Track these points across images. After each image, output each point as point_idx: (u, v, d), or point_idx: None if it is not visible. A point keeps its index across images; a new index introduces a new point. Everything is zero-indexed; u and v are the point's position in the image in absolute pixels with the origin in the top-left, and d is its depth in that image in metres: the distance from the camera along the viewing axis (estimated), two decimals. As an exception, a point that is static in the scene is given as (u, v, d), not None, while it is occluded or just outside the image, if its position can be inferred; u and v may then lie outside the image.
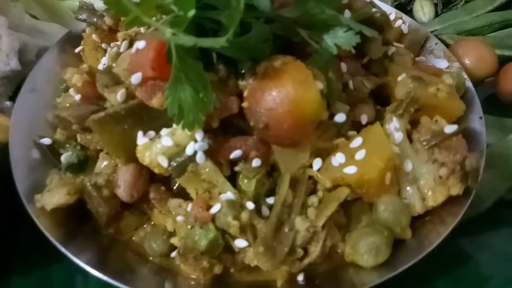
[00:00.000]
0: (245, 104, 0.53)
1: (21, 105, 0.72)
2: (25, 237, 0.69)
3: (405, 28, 0.84)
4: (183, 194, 0.59)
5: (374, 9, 0.63)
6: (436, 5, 1.15)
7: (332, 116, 0.59)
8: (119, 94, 0.57)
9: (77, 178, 0.60)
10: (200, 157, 0.54)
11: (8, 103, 0.86)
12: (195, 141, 0.54)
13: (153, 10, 0.56)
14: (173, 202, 0.59)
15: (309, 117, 0.51)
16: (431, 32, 1.06)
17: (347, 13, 0.63)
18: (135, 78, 0.54)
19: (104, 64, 0.73)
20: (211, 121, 0.55)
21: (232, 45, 0.49)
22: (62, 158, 0.62)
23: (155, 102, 0.54)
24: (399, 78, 0.63)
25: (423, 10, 1.14)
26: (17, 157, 0.65)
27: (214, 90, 0.53)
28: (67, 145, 0.64)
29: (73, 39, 0.85)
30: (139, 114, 0.56)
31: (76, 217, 0.62)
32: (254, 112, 0.52)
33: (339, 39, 0.55)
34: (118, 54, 0.65)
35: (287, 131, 0.52)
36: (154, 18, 0.61)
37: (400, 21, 0.84)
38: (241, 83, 0.54)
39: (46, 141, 0.68)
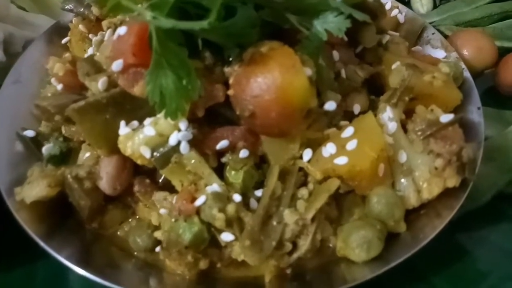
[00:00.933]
0: (230, 92, 0.51)
1: (4, 97, 0.70)
2: (9, 233, 0.67)
3: (401, 18, 0.82)
4: (169, 187, 0.57)
5: (367, -6, 0.61)
6: (434, -3, 1.12)
7: (323, 105, 0.56)
8: (100, 82, 0.55)
9: (59, 170, 0.57)
10: (184, 147, 0.52)
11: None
12: (179, 130, 0.52)
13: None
14: (158, 195, 0.56)
15: (297, 104, 0.49)
16: (430, 23, 1.05)
17: None
18: (116, 65, 0.51)
19: (90, 54, 0.71)
20: (196, 109, 0.53)
21: (216, 29, 0.46)
22: (44, 149, 0.60)
23: (137, 90, 0.52)
24: (393, 66, 0.61)
25: (421, 1, 1.11)
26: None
27: (199, 77, 0.50)
28: (51, 136, 0.62)
29: (60, 30, 0.83)
30: (121, 103, 0.54)
31: (58, 211, 0.60)
32: (240, 100, 0.50)
33: (329, 24, 0.52)
34: (101, 42, 0.63)
35: (274, 120, 0.49)
36: (139, 5, 0.60)
37: (396, 11, 0.82)
38: (227, 69, 0.52)
39: (30, 133, 0.65)
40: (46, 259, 0.62)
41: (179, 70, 0.49)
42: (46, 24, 0.90)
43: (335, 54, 0.61)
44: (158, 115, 0.53)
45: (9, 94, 0.71)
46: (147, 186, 0.57)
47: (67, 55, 0.62)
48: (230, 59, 0.54)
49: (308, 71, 0.50)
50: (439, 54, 0.79)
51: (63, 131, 0.63)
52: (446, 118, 0.57)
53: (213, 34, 0.48)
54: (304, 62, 0.50)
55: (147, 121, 0.54)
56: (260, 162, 0.57)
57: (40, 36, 0.80)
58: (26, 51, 0.78)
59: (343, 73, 0.61)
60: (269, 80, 0.48)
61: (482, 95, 0.92)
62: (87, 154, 0.58)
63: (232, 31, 0.50)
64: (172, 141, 0.51)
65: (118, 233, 0.60)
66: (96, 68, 0.57)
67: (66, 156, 0.60)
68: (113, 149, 0.55)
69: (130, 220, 0.60)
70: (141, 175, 0.58)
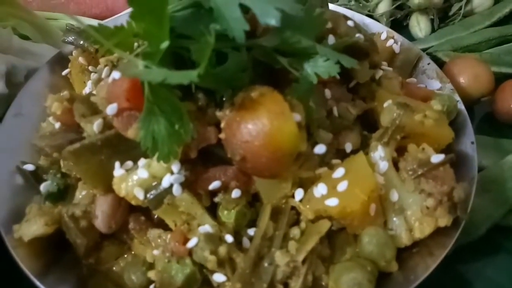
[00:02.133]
0: (222, 135, 0.52)
1: (5, 129, 0.72)
2: (4, 266, 0.68)
3: (396, 48, 0.82)
4: (163, 224, 0.58)
5: (358, 35, 0.62)
6: (432, 20, 1.13)
7: (315, 144, 0.57)
8: (96, 125, 0.56)
9: (56, 208, 0.59)
10: (176, 190, 0.53)
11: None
12: (172, 172, 0.53)
13: (131, 37, 0.56)
14: (153, 233, 0.57)
15: (287, 149, 0.49)
16: (428, 48, 1.05)
17: (331, 39, 0.62)
18: (111, 109, 0.53)
19: (89, 89, 0.73)
20: (189, 151, 0.54)
21: (207, 77, 0.47)
22: (42, 187, 0.62)
23: (131, 133, 0.53)
24: (385, 105, 0.62)
25: (419, 25, 1.12)
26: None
27: (191, 120, 0.52)
28: (49, 173, 0.64)
29: (62, 60, 0.85)
30: (116, 145, 0.55)
31: (55, 246, 0.61)
32: (231, 144, 0.51)
33: (319, 68, 0.53)
34: (99, 80, 0.64)
35: (264, 164, 0.50)
36: (136, 44, 0.61)
37: (392, 41, 0.83)
38: (219, 113, 0.53)
39: (29, 167, 0.67)
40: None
41: (171, 116, 0.50)
42: (48, 53, 0.92)
43: (327, 92, 0.62)
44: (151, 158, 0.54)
45: (10, 127, 0.72)
46: (142, 223, 0.58)
47: (65, 93, 0.64)
48: (223, 98, 0.55)
49: (297, 117, 0.50)
50: (435, 85, 0.80)
51: (62, 165, 0.64)
52: (437, 158, 0.57)
53: (205, 81, 0.49)
54: (294, 107, 0.51)
55: (141, 162, 0.55)
56: (253, 200, 0.58)
57: (42, 67, 0.82)
58: (28, 82, 0.79)
59: (335, 111, 0.62)
60: (258, 127, 0.49)
61: (478, 123, 0.93)
62: (83, 193, 0.59)
63: (223, 76, 0.51)
64: (165, 183, 0.52)
65: (114, 268, 0.60)
66: (92, 109, 0.58)
67: (64, 192, 0.62)
68: (108, 188, 0.56)
69: (125, 255, 0.61)
70: (136, 212, 0.59)
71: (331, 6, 0.82)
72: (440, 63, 0.97)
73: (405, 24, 1.16)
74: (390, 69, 0.70)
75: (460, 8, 1.15)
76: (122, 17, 0.96)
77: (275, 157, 0.49)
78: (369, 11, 1.12)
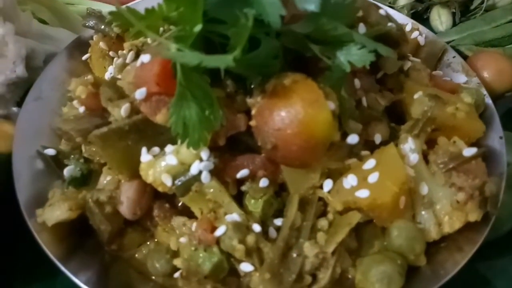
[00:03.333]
0: (253, 123, 0.51)
1: (25, 114, 0.71)
2: (25, 250, 0.68)
3: (421, 40, 0.81)
4: (188, 212, 0.57)
5: (390, 23, 0.60)
6: (454, 14, 1.11)
7: (344, 135, 0.56)
8: (123, 109, 0.55)
9: (80, 193, 0.58)
10: (205, 177, 0.52)
11: (15, 109, 0.84)
12: (200, 159, 0.52)
13: (160, 21, 0.55)
14: (177, 220, 0.56)
15: (320, 138, 0.48)
16: (449, 42, 1.04)
17: (362, 27, 0.60)
18: (139, 94, 0.52)
19: (111, 73, 0.72)
20: (218, 138, 0.53)
21: (240, 62, 0.46)
22: (65, 171, 0.61)
23: (160, 118, 0.52)
24: (416, 96, 0.60)
25: (440, 19, 1.10)
26: (19, 168, 0.64)
27: (221, 107, 0.51)
28: (71, 157, 0.63)
29: (81, 45, 0.84)
30: (143, 130, 0.55)
31: (78, 231, 0.60)
32: (262, 132, 0.50)
33: (352, 56, 0.52)
34: (124, 65, 0.63)
35: (296, 153, 0.49)
36: (161, 29, 0.60)
37: (417, 33, 0.81)
38: (249, 100, 0.52)
39: (50, 151, 0.66)
40: (63, 277, 0.64)
41: (202, 101, 0.49)
42: (67, 38, 0.91)
43: (357, 82, 0.61)
44: (180, 143, 0.53)
45: (30, 111, 0.72)
46: (167, 210, 0.58)
47: (89, 77, 0.63)
48: (252, 85, 0.54)
49: (331, 105, 0.49)
50: (460, 78, 0.78)
51: (83, 150, 0.63)
52: (469, 152, 0.56)
53: (236, 66, 0.48)
54: (327, 95, 0.50)
55: (169, 148, 0.54)
56: (279, 190, 0.57)
57: (61, 52, 0.81)
58: (47, 67, 0.78)
59: (364, 101, 0.60)
60: (292, 114, 0.47)
61: (502, 118, 0.91)
62: (108, 178, 0.58)
63: (255, 63, 0.50)
64: (194, 170, 0.52)
65: (137, 255, 0.60)
66: (119, 93, 0.57)
67: (87, 178, 0.61)
68: (134, 174, 0.55)
69: (148, 242, 0.60)
70: (161, 199, 0.59)
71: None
72: (463, 57, 0.96)
73: (425, 17, 1.14)
74: (418, 60, 0.69)
75: (482, 2, 1.13)
76: (141, 3, 0.95)
77: (308, 145, 0.48)
78: (389, 3, 1.10)
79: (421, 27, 0.84)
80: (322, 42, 0.54)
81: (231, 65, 0.43)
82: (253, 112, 0.51)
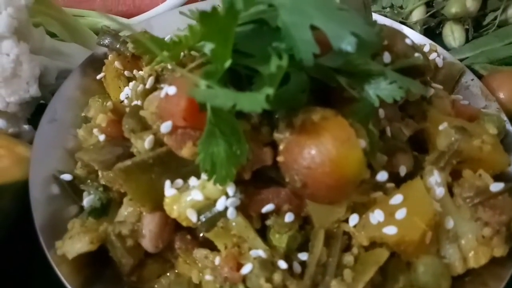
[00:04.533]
0: (280, 159, 0.50)
1: (40, 137, 0.70)
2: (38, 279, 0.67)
3: (440, 62, 0.80)
4: (210, 243, 0.56)
5: (416, 54, 0.59)
6: (467, 30, 1.11)
7: (370, 166, 0.55)
8: (147, 142, 0.54)
9: (100, 225, 0.57)
10: (231, 213, 0.51)
11: (26, 127, 0.83)
12: (227, 195, 0.51)
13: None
14: (199, 253, 0.56)
15: (351, 177, 0.48)
16: (463, 59, 1.03)
17: (387, 56, 0.60)
18: (165, 127, 0.51)
19: (127, 95, 0.71)
20: (243, 172, 0.52)
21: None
22: (85, 202, 0.60)
23: (185, 152, 0.51)
24: (441, 127, 0.60)
25: (454, 35, 1.09)
26: (37, 196, 0.63)
27: (247, 140, 0.50)
28: (89, 185, 0.62)
29: (94, 62, 0.82)
30: (167, 162, 0.53)
31: (97, 261, 0.59)
32: (291, 169, 0.49)
33: (382, 91, 0.51)
34: (144, 92, 0.62)
35: (325, 191, 0.48)
36: (182, 54, 0.59)
37: (435, 54, 0.81)
38: (277, 135, 0.51)
39: (67, 177, 0.65)
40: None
41: (230, 137, 0.48)
42: (79, 53, 0.90)
43: (380, 111, 0.60)
44: (204, 177, 0.52)
45: (45, 134, 0.70)
46: (188, 242, 0.57)
47: (108, 103, 0.62)
48: (277, 117, 0.53)
49: (363, 143, 0.48)
50: (479, 102, 0.78)
51: (100, 176, 0.62)
52: (496, 187, 0.55)
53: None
54: (358, 132, 0.49)
55: (193, 181, 0.53)
56: (303, 223, 0.57)
57: (75, 70, 0.80)
58: (61, 87, 0.77)
59: (388, 131, 0.60)
60: (323, 154, 0.47)
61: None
62: (129, 209, 0.57)
63: (283, 97, 0.49)
64: (220, 206, 0.51)
65: (156, 286, 0.59)
66: (142, 124, 0.56)
67: (107, 207, 0.60)
68: (156, 206, 0.54)
69: (168, 274, 0.59)
70: (182, 230, 0.58)
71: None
72: (477, 76, 0.96)
73: (437, 32, 1.14)
74: (441, 87, 0.68)
75: (495, 18, 1.12)
76: (153, 19, 0.94)
77: (338, 184, 0.48)
78: (402, 18, 1.09)
79: (439, 49, 0.83)
80: (349, 73, 0.53)
81: (265, 107, 0.42)
82: (280, 147, 0.50)
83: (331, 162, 0.46)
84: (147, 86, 0.63)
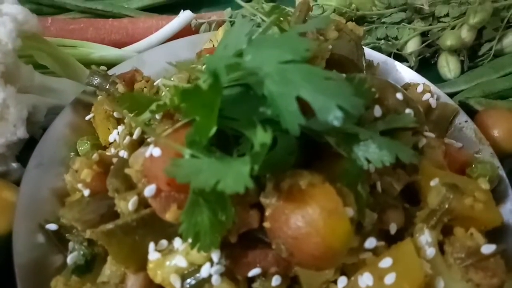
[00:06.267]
0: (267, 225, 0.49)
1: (27, 183, 0.69)
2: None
3: (433, 103, 0.79)
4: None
5: (407, 110, 0.59)
6: (462, 61, 1.10)
7: (360, 225, 0.54)
8: (131, 203, 0.53)
9: (84, 285, 0.56)
10: (216, 280, 0.50)
11: (15, 165, 0.82)
12: (211, 261, 0.50)
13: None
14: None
15: (338, 248, 0.47)
16: (457, 92, 1.02)
17: (378, 110, 0.59)
18: (149, 191, 0.50)
19: (115, 140, 0.70)
20: (229, 235, 0.51)
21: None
22: (68, 259, 0.59)
23: (170, 216, 0.50)
24: (432, 183, 0.59)
25: (449, 66, 1.09)
26: (20, 248, 0.61)
27: (233, 204, 0.49)
28: (75, 235, 0.60)
29: (84, 101, 0.81)
30: (151, 224, 0.52)
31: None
32: (277, 237, 0.48)
33: (370, 154, 0.50)
34: (131, 143, 0.61)
35: (312, 261, 0.47)
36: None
37: (428, 95, 0.80)
38: (263, 200, 0.50)
39: (52, 227, 0.64)
40: None
41: (215, 205, 0.47)
42: (70, 89, 0.89)
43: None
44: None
45: (31, 180, 0.69)
46: (174, 303, 0.55)
47: (94, 156, 0.60)
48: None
49: (350, 212, 0.47)
50: (473, 145, 0.77)
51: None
52: (488, 249, 0.54)
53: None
54: (345, 198, 0.48)
55: (177, 242, 0.52)
56: (291, 283, 0.55)
57: (64, 110, 0.79)
58: (49, 128, 0.76)
59: (378, 186, 0.59)
60: (309, 225, 0.46)
61: (508, 174, 0.90)
62: (113, 268, 0.56)
63: (270, 162, 0.48)
64: (204, 273, 0.49)
65: None
66: (126, 182, 0.55)
67: (91, 263, 0.59)
68: (140, 267, 0.53)
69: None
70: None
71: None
72: (473, 111, 0.95)
73: (432, 62, 1.13)
74: (433, 135, 0.67)
75: (490, 48, 1.12)
76: (145, 54, 0.92)
77: (325, 256, 0.47)
78: (397, 49, 1.08)
79: (433, 88, 0.82)
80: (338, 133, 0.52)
81: (249, 186, 0.41)
82: (267, 213, 0.49)
83: (317, 234, 0.45)
84: (134, 136, 0.62)
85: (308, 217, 0.46)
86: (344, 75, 0.58)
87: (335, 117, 0.42)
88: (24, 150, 0.83)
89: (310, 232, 0.46)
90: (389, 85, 0.61)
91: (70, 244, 0.62)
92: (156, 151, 0.51)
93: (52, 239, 0.64)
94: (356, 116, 0.46)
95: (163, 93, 0.63)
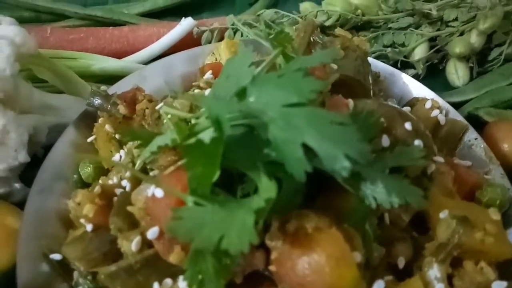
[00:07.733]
0: (272, 268, 0.48)
1: (30, 210, 0.68)
2: None
3: (442, 119, 0.77)
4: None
5: (416, 142, 0.57)
6: (471, 68, 1.07)
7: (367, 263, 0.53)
8: (134, 244, 0.52)
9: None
10: (221, 322, 0.49)
11: (17, 185, 0.81)
12: (217, 304, 0.49)
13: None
14: None
15: (345, 295, 0.46)
16: (466, 101, 1.00)
17: (385, 139, 0.57)
18: (152, 234, 0.49)
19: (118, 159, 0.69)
20: (234, 277, 0.50)
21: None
22: (74, 293, 0.58)
23: (173, 258, 0.49)
24: (442, 215, 0.57)
25: (457, 73, 1.06)
26: (24, 278, 0.61)
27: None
28: (78, 271, 0.60)
29: (87, 119, 0.80)
30: (154, 265, 0.52)
31: None
32: (283, 281, 0.47)
33: (378, 194, 0.49)
34: (133, 176, 0.60)
35: (319, 307, 0.46)
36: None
37: (437, 111, 0.78)
38: (268, 242, 0.49)
39: (56, 256, 0.63)
40: None
41: (219, 252, 0.46)
42: (70, 106, 0.88)
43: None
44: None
45: (34, 207, 0.68)
46: None
47: (96, 188, 0.59)
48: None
49: (358, 257, 0.46)
50: (482, 164, 0.75)
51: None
52: (499, 286, 0.53)
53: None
54: (352, 241, 0.47)
55: (182, 284, 0.51)
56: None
57: (64, 134, 0.77)
58: (51, 152, 0.75)
59: (386, 218, 0.57)
60: (316, 272, 0.45)
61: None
62: (118, 306, 0.55)
63: (276, 206, 0.47)
64: (209, 316, 0.49)
65: None
66: (129, 220, 0.54)
67: (96, 299, 0.58)
68: (145, 306, 0.53)
69: None
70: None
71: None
72: (482, 122, 0.93)
73: (441, 67, 1.10)
74: (442, 160, 0.65)
75: (500, 53, 1.08)
76: (145, 69, 0.90)
77: (332, 302, 0.46)
78: (405, 56, 1.06)
79: (442, 103, 0.80)
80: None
81: (254, 242, 0.40)
82: (272, 256, 0.48)
83: (324, 282, 0.44)
84: (137, 167, 0.61)
85: (315, 264, 0.45)
86: (351, 105, 0.56)
87: (342, 167, 0.40)
88: (26, 169, 0.82)
89: (316, 280, 0.45)
90: (398, 113, 0.59)
91: (75, 274, 0.62)
92: (158, 192, 0.49)
93: (56, 269, 0.64)
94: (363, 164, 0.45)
95: (165, 121, 0.62)
